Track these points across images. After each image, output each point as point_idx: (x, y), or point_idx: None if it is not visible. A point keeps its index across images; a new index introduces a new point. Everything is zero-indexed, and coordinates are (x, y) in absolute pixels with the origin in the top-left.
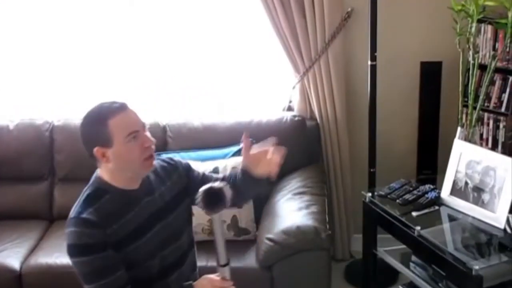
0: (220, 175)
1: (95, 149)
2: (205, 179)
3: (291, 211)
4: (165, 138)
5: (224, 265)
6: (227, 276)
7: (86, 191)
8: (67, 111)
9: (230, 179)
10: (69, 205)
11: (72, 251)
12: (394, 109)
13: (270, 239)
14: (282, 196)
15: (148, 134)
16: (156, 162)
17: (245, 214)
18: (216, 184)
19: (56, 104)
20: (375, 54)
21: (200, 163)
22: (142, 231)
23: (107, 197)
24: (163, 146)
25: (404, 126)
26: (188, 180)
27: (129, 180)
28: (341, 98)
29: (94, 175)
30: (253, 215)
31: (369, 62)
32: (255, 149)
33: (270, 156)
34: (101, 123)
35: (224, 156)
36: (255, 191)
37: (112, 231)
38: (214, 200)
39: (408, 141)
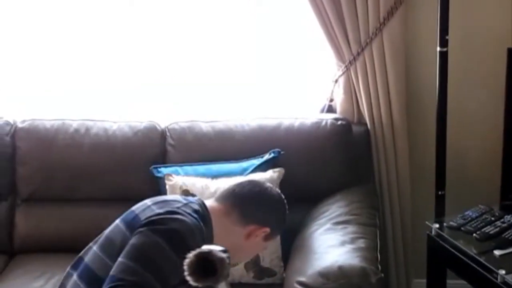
0: None
1: (265, 229)
2: None
3: (331, 246)
4: (164, 146)
5: None
6: None
7: (187, 203)
8: (34, 108)
9: None
10: (35, 233)
11: (169, 234)
12: (471, 111)
13: (302, 283)
14: (319, 226)
15: None
16: None
17: (269, 249)
18: (218, 251)
19: (21, 99)
20: (447, 37)
21: (210, 181)
22: None
23: (206, 228)
24: (161, 157)
25: (484, 134)
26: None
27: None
28: (400, 95)
29: (199, 201)
30: (280, 251)
31: (438, 48)
32: None
33: None
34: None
35: (242, 172)
36: None
37: None
38: (207, 271)
39: (489, 155)
